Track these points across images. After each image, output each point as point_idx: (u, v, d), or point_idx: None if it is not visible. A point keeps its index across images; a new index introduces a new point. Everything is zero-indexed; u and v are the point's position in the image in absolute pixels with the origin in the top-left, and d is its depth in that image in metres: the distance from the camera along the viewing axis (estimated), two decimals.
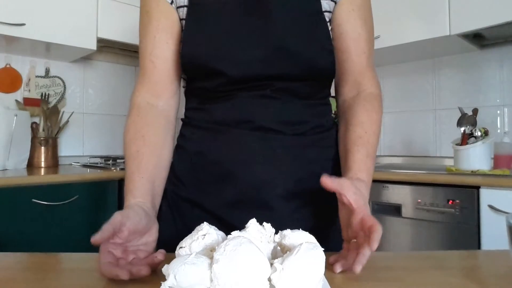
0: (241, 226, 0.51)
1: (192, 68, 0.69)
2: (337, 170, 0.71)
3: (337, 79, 0.76)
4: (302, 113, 0.69)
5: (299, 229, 0.48)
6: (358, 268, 0.48)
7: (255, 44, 0.65)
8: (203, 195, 0.69)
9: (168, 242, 0.72)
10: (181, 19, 0.71)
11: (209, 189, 0.68)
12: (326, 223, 0.69)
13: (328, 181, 0.54)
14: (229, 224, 0.63)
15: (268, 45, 0.65)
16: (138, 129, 0.68)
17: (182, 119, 0.76)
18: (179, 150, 0.74)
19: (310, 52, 0.66)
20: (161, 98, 0.72)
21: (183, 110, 0.78)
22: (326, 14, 0.69)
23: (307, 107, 0.70)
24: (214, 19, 0.67)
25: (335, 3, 0.71)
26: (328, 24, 0.70)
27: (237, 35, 0.66)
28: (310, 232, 0.48)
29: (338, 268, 0.51)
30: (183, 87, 0.78)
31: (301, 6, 0.67)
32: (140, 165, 0.65)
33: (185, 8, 0.70)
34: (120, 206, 1.79)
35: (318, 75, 0.69)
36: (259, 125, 0.66)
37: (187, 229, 0.54)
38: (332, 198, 0.59)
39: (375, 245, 0.48)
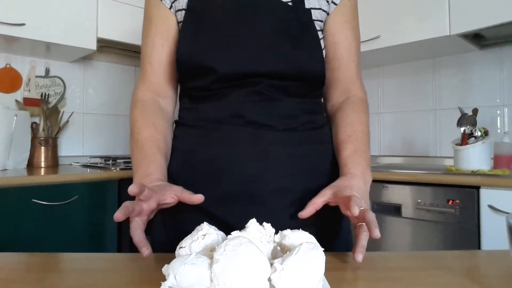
0: (232, 222, 0.52)
1: (186, 67, 0.71)
2: (330, 167, 0.73)
3: (327, 85, 0.78)
4: (292, 109, 0.70)
5: (298, 229, 0.48)
6: (377, 232, 0.50)
7: (246, 44, 0.68)
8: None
9: (160, 243, 0.73)
10: (179, 22, 0.75)
11: (201, 186, 0.68)
12: (321, 219, 0.69)
13: (305, 214, 0.58)
14: (221, 220, 0.64)
15: (258, 45, 0.67)
16: (147, 117, 0.72)
17: (175, 121, 0.78)
18: (172, 150, 0.75)
19: (300, 54, 0.69)
20: (159, 96, 0.76)
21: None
22: (317, 22, 0.73)
23: (298, 103, 0.71)
24: (209, 22, 0.70)
25: (328, 14, 0.75)
26: (321, 32, 0.74)
27: (229, 36, 0.68)
28: (305, 229, 0.48)
29: (359, 257, 0.51)
30: None
31: (292, 13, 0.71)
32: (159, 148, 0.68)
33: (183, 12, 0.73)
34: (120, 206, 1.78)
35: (307, 76, 0.71)
36: (250, 120, 0.67)
37: (179, 229, 0.55)
38: None
39: (354, 206, 0.51)
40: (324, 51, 0.75)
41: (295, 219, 0.59)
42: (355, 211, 0.51)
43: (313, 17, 0.72)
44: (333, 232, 0.73)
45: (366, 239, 0.53)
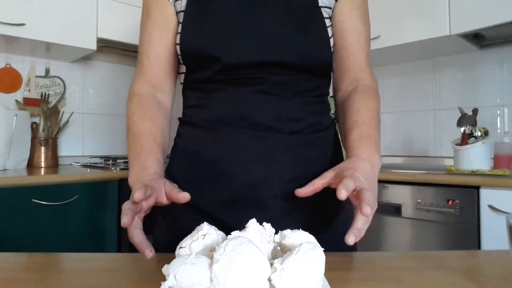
0: (235, 225, 0.51)
1: (189, 56, 0.70)
2: None
3: (336, 75, 0.76)
4: (298, 110, 0.69)
5: (298, 229, 0.48)
6: (366, 209, 0.48)
7: (251, 32, 0.66)
8: (196, 194, 0.68)
9: (161, 243, 0.72)
10: (178, 12, 0.73)
11: (203, 188, 0.67)
12: (324, 224, 0.69)
13: (302, 192, 0.57)
14: (223, 223, 0.63)
15: (263, 33, 0.66)
16: (145, 110, 0.71)
17: (179, 118, 0.77)
18: (175, 149, 0.74)
19: (305, 41, 0.67)
20: (157, 90, 0.75)
21: (181, 110, 0.78)
22: (325, 9, 0.71)
23: (304, 104, 0.70)
24: (212, 10, 0.69)
25: (336, 0, 0.73)
26: (329, 20, 0.72)
27: (233, 24, 0.67)
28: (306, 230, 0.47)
29: (350, 239, 0.48)
30: (181, 83, 0.78)
31: (297, 0, 0.69)
32: (156, 141, 0.67)
33: (184, 1, 0.72)
34: (120, 206, 1.79)
35: (313, 65, 0.69)
36: (255, 122, 0.66)
37: (180, 230, 0.54)
38: (330, 200, 0.59)
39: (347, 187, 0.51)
40: (332, 40, 0.73)
41: (299, 224, 0.58)
42: (342, 195, 0.48)
43: (321, 4, 0.70)
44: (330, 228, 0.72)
45: (362, 221, 0.49)
